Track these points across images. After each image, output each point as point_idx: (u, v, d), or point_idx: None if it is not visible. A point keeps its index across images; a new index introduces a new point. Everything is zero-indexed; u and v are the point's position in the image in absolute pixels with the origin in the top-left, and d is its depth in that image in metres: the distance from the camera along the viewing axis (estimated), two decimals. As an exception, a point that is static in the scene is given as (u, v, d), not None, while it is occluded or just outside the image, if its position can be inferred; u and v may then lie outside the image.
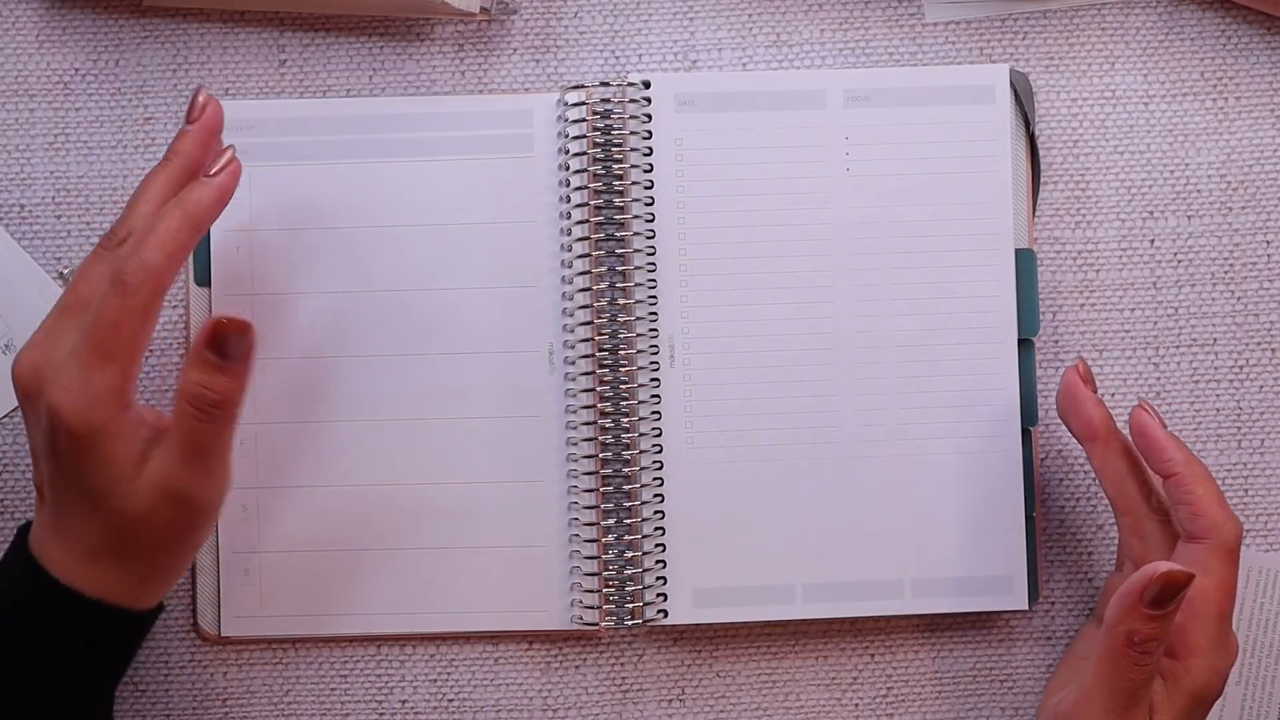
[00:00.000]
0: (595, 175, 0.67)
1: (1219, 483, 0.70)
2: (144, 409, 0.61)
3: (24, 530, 0.62)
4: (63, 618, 0.60)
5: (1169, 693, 0.60)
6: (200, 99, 0.62)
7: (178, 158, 0.61)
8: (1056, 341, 0.71)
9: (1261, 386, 0.71)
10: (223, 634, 0.68)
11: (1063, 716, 0.61)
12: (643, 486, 0.67)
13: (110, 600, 0.60)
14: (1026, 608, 0.68)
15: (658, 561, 0.68)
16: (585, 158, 0.67)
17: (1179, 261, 0.71)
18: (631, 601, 0.67)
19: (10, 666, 0.60)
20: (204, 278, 0.68)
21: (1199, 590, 0.59)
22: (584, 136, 0.67)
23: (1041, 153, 0.70)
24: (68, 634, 0.60)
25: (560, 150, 0.68)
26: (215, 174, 0.60)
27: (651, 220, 0.68)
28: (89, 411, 0.57)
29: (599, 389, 0.67)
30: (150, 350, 0.69)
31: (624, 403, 0.67)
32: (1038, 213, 0.70)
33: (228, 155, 0.61)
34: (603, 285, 0.67)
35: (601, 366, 0.67)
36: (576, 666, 0.70)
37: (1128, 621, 0.57)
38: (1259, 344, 0.71)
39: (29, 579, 0.60)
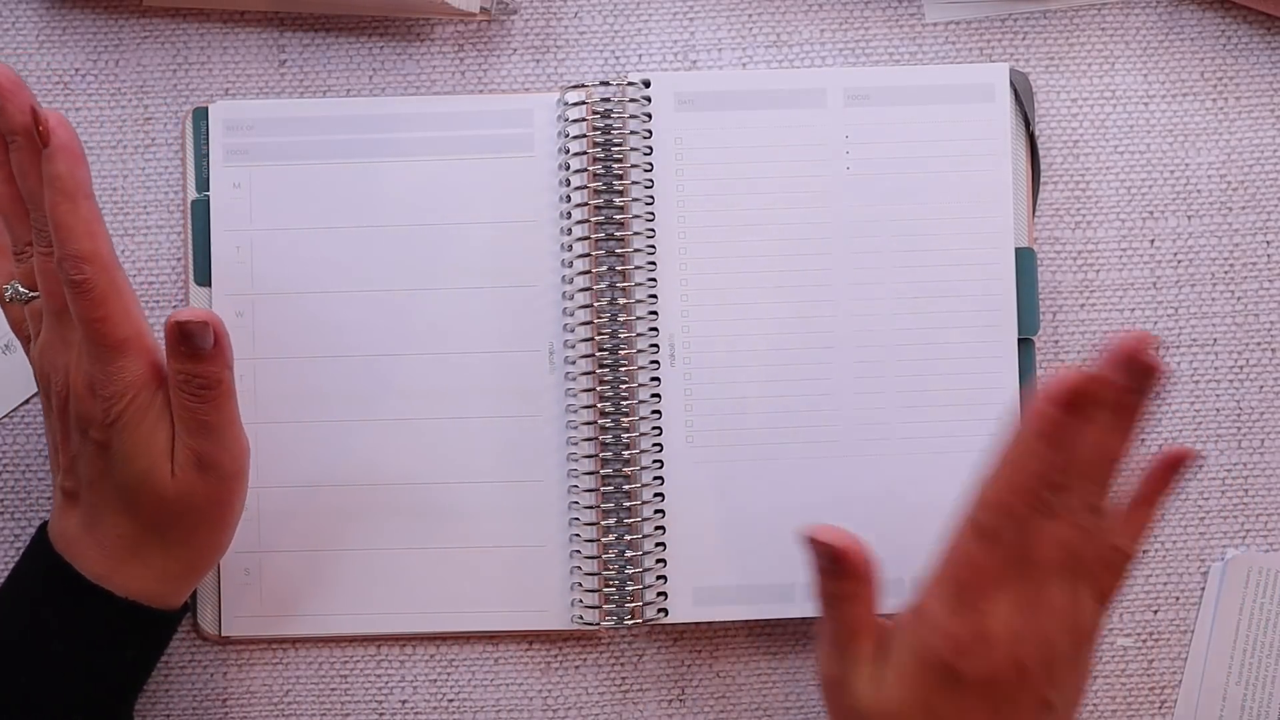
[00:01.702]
0: (595, 175, 0.67)
1: (1219, 483, 0.70)
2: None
3: (43, 531, 0.63)
4: (94, 619, 0.60)
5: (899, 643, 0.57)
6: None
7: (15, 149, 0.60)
8: (1056, 341, 0.71)
9: (1261, 386, 0.71)
10: (224, 634, 0.68)
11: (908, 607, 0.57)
12: (643, 486, 0.67)
13: (142, 600, 0.61)
14: (1027, 607, 0.68)
15: (658, 561, 0.68)
16: (585, 157, 0.67)
17: (1179, 261, 0.71)
18: (631, 601, 0.67)
19: (40, 668, 0.60)
20: (204, 278, 0.68)
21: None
22: (584, 136, 0.67)
23: (1041, 153, 0.70)
24: (99, 635, 0.60)
25: (560, 150, 0.68)
26: (52, 141, 0.58)
27: (651, 220, 0.68)
28: (143, 398, 0.59)
29: (599, 389, 0.67)
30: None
31: (624, 402, 0.67)
32: (1038, 212, 0.70)
33: (44, 116, 0.58)
34: (603, 285, 0.67)
35: (601, 366, 0.67)
36: (576, 666, 0.70)
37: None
38: (1259, 344, 0.71)
39: (59, 581, 0.61)
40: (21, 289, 0.61)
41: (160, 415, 0.60)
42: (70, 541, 0.61)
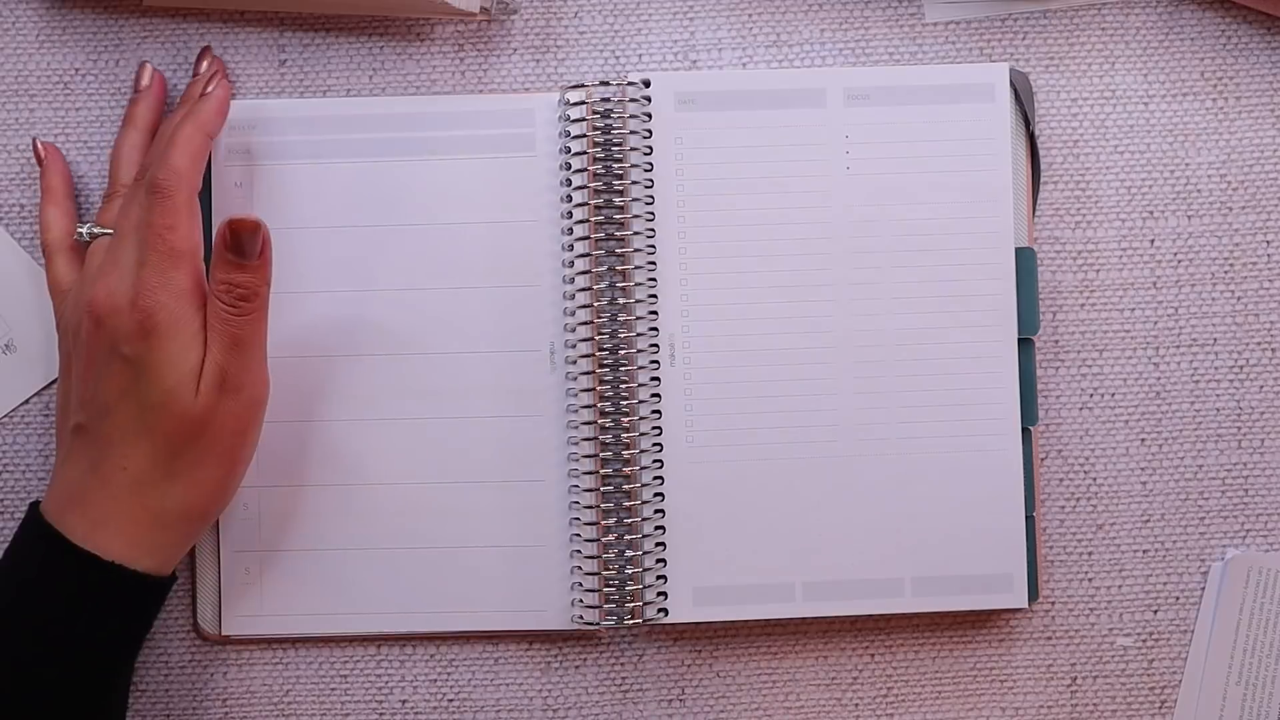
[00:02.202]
0: (595, 175, 0.67)
1: (1219, 483, 0.70)
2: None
3: (34, 509, 0.63)
4: (78, 584, 0.61)
5: None
6: (145, 75, 0.69)
7: (136, 122, 0.68)
8: (1056, 341, 0.71)
9: (1261, 386, 0.71)
10: (224, 633, 0.68)
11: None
12: (643, 486, 0.67)
13: (126, 563, 0.61)
14: (1026, 606, 0.68)
15: (658, 560, 0.67)
16: (585, 157, 0.67)
17: (1179, 261, 0.71)
18: (631, 601, 0.67)
19: (26, 636, 0.60)
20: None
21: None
22: (584, 136, 0.67)
23: (1041, 153, 0.70)
24: (82, 601, 0.61)
25: (561, 150, 0.68)
26: (211, 89, 0.67)
27: (652, 219, 0.68)
28: (179, 307, 0.61)
29: (599, 389, 0.67)
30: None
31: (624, 402, 0.67)
32: (1038, 212, 0.70)
33: (214, 70, 0.69)
34: (603, 285, 0.67)
35: (602, 366, 0.67)
36: (576, 666, 0.70)
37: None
38: (1259, 344, 0.71)
39: (45, 548, 0.61)
40: (96, 229, 0.65)
41: (195, 336, 0.61)
42: (62, 503, 0.62)
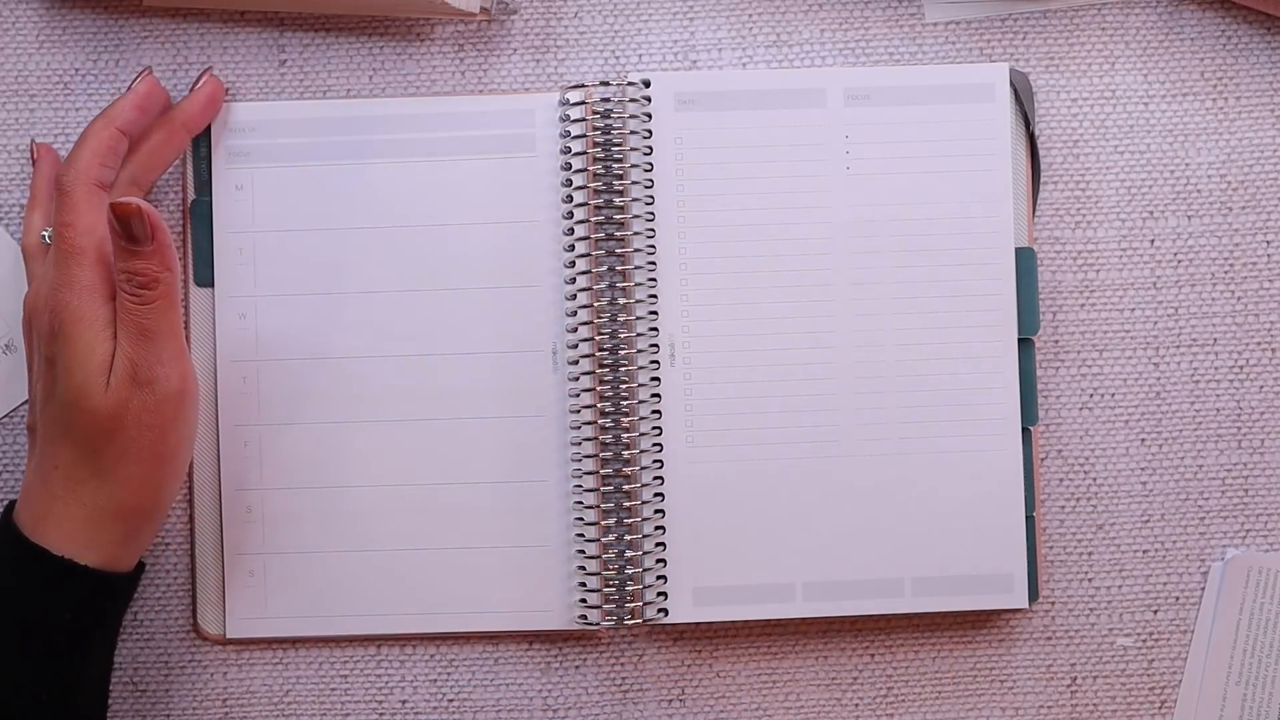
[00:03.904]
0: (595, 175, 0.67)
1: (1219, 483, 0.70)
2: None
3: (11, 504, 0.63)
4: (30, 577, 0.60)
5: None
6: (140, 82, 0.67)
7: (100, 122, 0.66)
8: (1056, 341, 0.71)
9: (1261, 386, 0.71)
10: (228, 636, 0.68)
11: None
12: (643, 486, 0.67)
13: (77, 558, 0.60)
14: (1026, 606, 0.68)
15: (658, 561, 0.68)
16: (585, 157, 0.67)
17: (1179, 261, 0.71)
18: (631, 601, 0.67)
19: None
20: (204, 279, 0.68)
21: None
22: (584, 136, 0.67)
23: (1041, 153, 0.70)
24: (35, 595, 0.60)
25: (561, 150, 0.68)
26: (133, 87, 0.66)
27: (652, 220, 0.68)
28: (79, 303, 0.61)
29: (599, 389, 0.67)
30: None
31: (624, 403, 0.67)
32: (1038, 212, 0.70)
33: (143, 73, 0.67)
34: (603, 285, 0.67)
35: (602, 366, 0.67)
36: (576, 666, 0.70)
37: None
38: (1259, 344, 0.71)
39: (6, 544, 0.61)
40: (48, 235, 0.65)
41: (101, 331, 0.61)
42: (21, 501, 0.62)
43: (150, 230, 0.60)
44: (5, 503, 0.70)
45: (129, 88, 0.67)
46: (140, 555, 0.64)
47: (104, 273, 0.61)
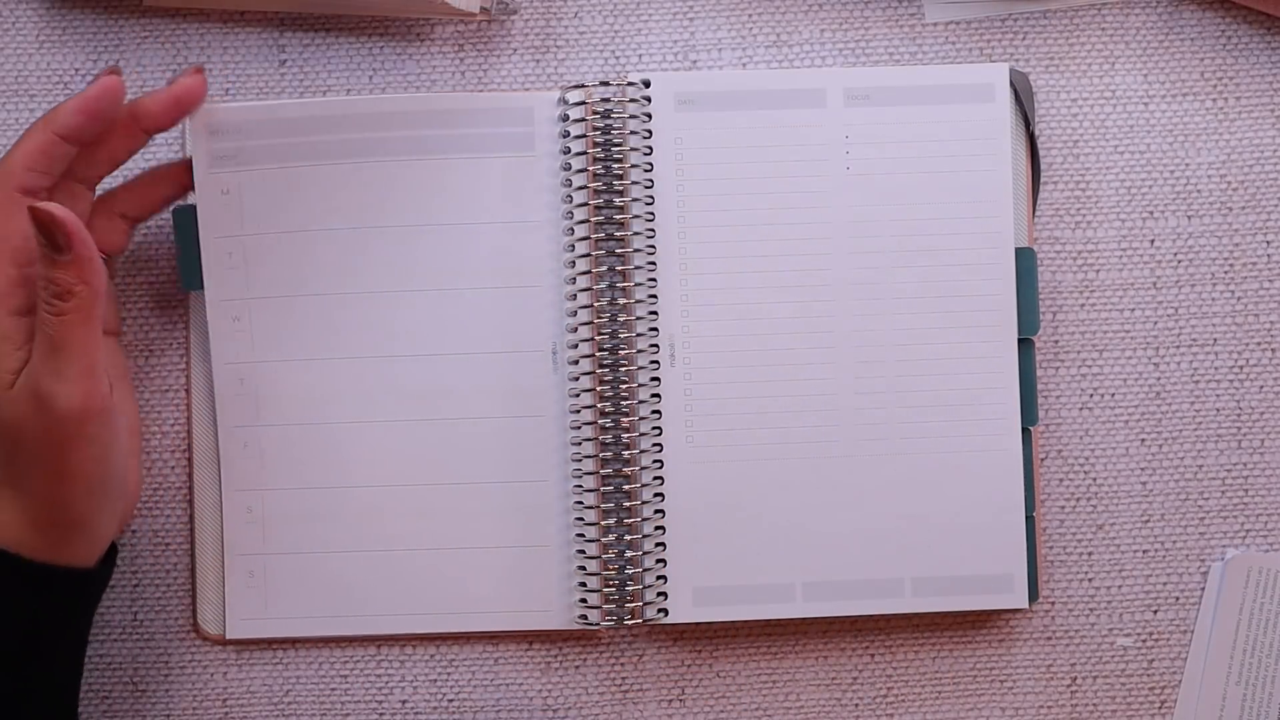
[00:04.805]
0: (595, 175, 0.67)
1: (1219, 483, 0.70)
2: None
3: None
4: None
5: None
6: (94, 84, 0.61)
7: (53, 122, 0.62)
8: (1056, 341, 0.71)
9: (1261, 386, 0.71)
10: (228, 636, 0.68)
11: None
12: (643, 486, 0.67)
13: (24, 551, 0.59)
14: (1026, 606, 0.68)
15: (658, 561, 0.68)
16: (585, 157, 0.67)
17: (1179, 261, 0.71)
18: (631, 601, 0.67)
19: None
20: (193, 282, 0.68)
21: None
22: (584, 136, 0.67)
23: (1041, 153, 0.70)
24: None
25: (561, 150, 0.68)
26: (89, 86, 0.61)
27: (652, 220, 0.68)
28: None
29: (599, 389, 0.67)
30: (147, 351, 0.69)
31: (624, 403, 0.67)
32: (1038, 213, 0.70)
33: (102, 72, 0.62)
34: (603, 285, 0.67)
35: (601, 366, 0.67)
36: (576, 666, 0.70)
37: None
38: (1259, 344, 0.71)
39: None
40: None
41: (8, 339, 0.58)
42: None
43: (68, 240, 0.56)
44: None
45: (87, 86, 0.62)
46: (97, 554, 0.62)
47: (12, 281, 0.59)
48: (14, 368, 0.58)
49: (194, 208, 0.68)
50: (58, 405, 0.57)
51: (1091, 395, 0.71)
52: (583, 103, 0.68)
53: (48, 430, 0.58)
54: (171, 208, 0.68)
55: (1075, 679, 0.71)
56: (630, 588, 0.67)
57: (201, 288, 0.68)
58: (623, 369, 0.67)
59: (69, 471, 0.59)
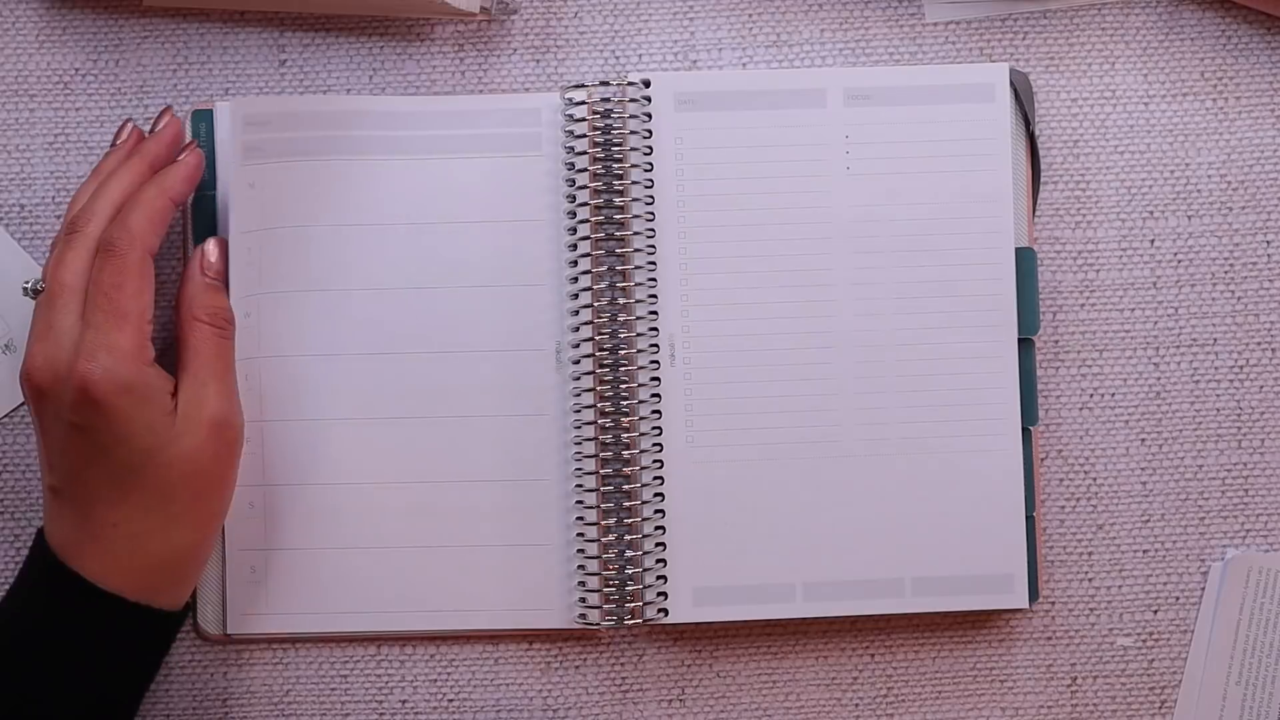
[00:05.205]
0: (595, 175, 0.67)
1: (1219, 483, 0.70)
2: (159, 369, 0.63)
3: (40, 536, 0.62)
4: (98, 622, 0.61)
5: None
6: (125, 131, 0.67)
7: (102, 172, 0.65)
8: (1056, 341, 0.71)
9: (1261, 386, 0.71)
10: (229, 632, 0.68)
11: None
12: (643, 486, 0.67)
13: (143, 600, 0.61)
14: (1027, 606, 0.68)
15: (658, 560, 0.67)
16: (585, 157, 0.67)
17: (1179, 261, 0.71)
18: (631, 601, 0.67)
19: (45, 675, 0.60)
20: None
21: None
22: (584, 136, 0.67)
23: (1041, 153, 0.70)
24: (103, 639, 0.61)
25: (563, 149, 0.68)
26: (184, 157, 0.66)
27: (652, 219, 0.68)
28: (124, 370, 0.60)
29: (599, 389, 0.67)
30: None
31: (624, 402, 0.67)
32: (1038, 212, 0.70)
33: (192, 144, 0.67)
34: (603, 285, 0.67)
35: (602, 366, 0.67)
36: (576, 666, 0.70)
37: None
38: (1259, 344, 0.71)
39: (60, 586, 0.61)
40: (41, 284, 0.63)
41: (149, 391, 0.60)
42: (69, 544, 0.61)
43: (224, 267, 0.66)
44: (4, 503, 0.70)
45: (179, 158, 0.65)
46: (189, 593, 0.65)
47: (142, 340, 0.61)
48: (168, 410, 0.61)
49: (214, 197, 0.68)
50: (235, 422, 0.63)
51: (1091, 395, 0.71)
52: (583, 103, 0.67)
53: (224, 447, 0.63)
54: (190, 199, 0.68)
55: (1075, 679, 0.71)
56: (630, 588, 0.67)
57: None
58: (623, 369, 0.67)
59: (231, 482, 0.64)
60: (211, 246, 0.66)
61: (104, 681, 0.61)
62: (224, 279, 0.66)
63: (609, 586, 0.67)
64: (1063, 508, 0.70)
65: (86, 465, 0.60)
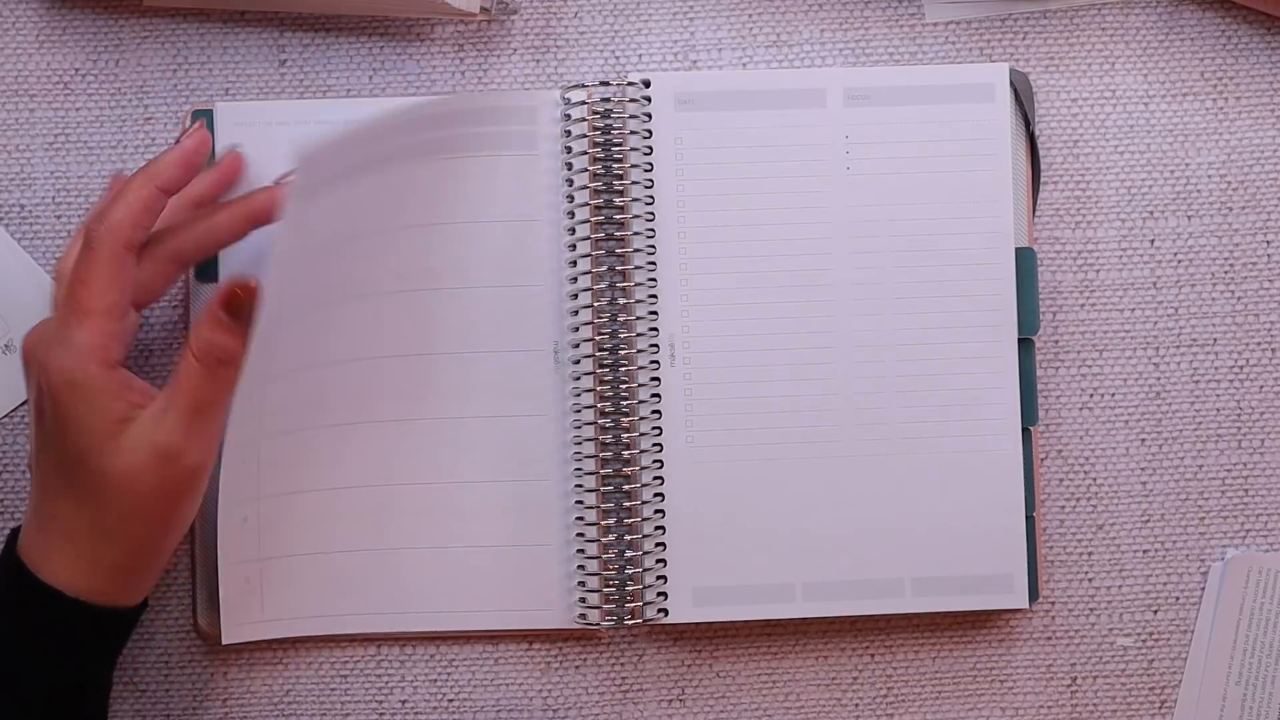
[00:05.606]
0: (595, 175, 0.67)
1: (1219, 483, 0.70)
2: (134, 377, 0.62)
3: (15, 533, 0.62)
4: (45, 618, 0.60)
5: None
6: (190, 138, 0.64)
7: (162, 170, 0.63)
8: (1056, 341, 0.71)
9: (1261, 386, 0.71)
10: (224, 643, 0.68)
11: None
12: (643, 486, 0.67)
13: (93, 599, 0.60)
14: (1027, 606, 0.68)
15: (658, 560, 0.67)
16: (585, 157, 0.67)
17: (1179, 261, 0.71)
18: (631, 600, 0.67)
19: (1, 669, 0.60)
20: (207, 274, 0.68)
21: None
22: (584, 136, 0.67)
23: (1041, 153, 0.70)
24: (52, 634, 0.60)
25: (561, 150, 0.68)
26: (181, 141, 0.63)
27: (652, 220, 0.68)
28: (72, 365, 0.59)
29: (599, 388, 0.67)
30: (153, 350, 0.69)
31: (624, 402, 0.67)
32: (1038, 212, 0.70)
33: (195, 126, 0.65)
34: (603, 285, 0.67)
35: (602, 366, 0.67)
36: (576, 666, 0.70)
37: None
38: (1259, 344, 0.71)
39: (13, 580, 0.60)
40: None
41: (104, 395, 0.59)
42: (28, 540, 0.61)
43: (252, 311, 0.58)
44: (4, 503, 0.70)
45: (178, 141, 0.64)
46: (146, 592, 0.63)
47: (109, 336, 0.59)
48: (116, 417, 0.59)
49: None
50: (186, 462, 0.59)
51: (1091, 395, 0.71)
52: (583, 103, 0.67)
53: (171, 484, 0.59)
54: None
55: (1075, 679, 0.71)
56: (630, 588, 0.67)
57: (216, 279, 0.68)
58: (623, 369, 0.67)
59: (174, 521, 0.61)
60: (229, 288, 0.59)
61: (47, 677, 0.60)
62: (246, 319, 0.59)
63: (609, 586, 0.67)
64: (1063, 508, 0.70)
65: (42, 447, 0.60)
